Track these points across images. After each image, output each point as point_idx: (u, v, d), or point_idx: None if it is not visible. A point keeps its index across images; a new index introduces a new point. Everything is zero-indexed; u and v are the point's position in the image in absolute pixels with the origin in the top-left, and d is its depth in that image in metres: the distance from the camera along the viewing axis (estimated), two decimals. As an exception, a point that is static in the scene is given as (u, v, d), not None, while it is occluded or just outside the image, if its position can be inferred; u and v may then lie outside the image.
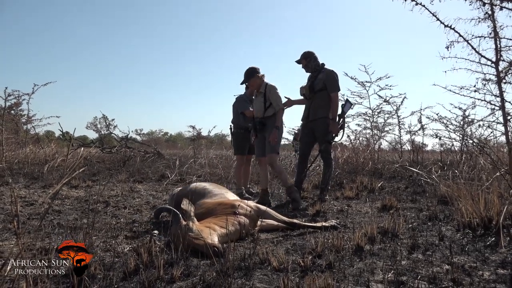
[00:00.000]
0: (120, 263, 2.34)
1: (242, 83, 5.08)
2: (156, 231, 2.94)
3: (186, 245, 2.59)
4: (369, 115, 10.11)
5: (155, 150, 14.17)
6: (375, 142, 10.27)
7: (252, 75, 4.92)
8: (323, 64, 5.29)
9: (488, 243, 2.74)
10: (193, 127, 13.91)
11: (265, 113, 4.91)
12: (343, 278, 2.10)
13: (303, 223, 3.34)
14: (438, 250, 2.63)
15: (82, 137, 18.32)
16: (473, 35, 3.25)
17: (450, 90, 4.00)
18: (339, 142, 6.13)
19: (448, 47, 3.28)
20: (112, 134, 17.87)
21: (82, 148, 12.56)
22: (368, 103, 9.99)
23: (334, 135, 5.20)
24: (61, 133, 16.29)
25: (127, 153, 13.39)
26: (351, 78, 9.97)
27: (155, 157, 12.87)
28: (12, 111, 12.26)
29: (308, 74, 5.43)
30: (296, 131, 15.22)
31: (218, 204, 3.18)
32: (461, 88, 3.95)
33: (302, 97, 5.48)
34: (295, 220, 3.37)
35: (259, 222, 3.29)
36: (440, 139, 8.31)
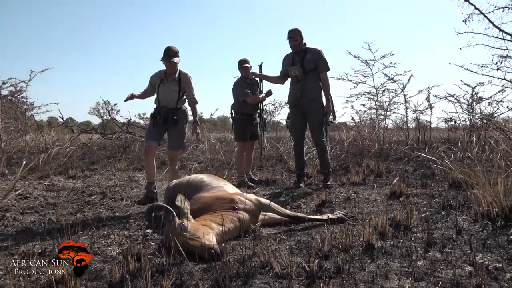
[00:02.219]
0: (107, 269, 2.13)
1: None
2: (149, 230, 2.74)
3: (180, 246, 2.38)
4: (373, 94, 9.80)
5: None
6: (380, 122, 9.97)
7: (171, 57, 4.22)
8: (305, 44, 5.03)
9: (511, 237, 2.50)
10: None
11: (177, 103, 4.40)
12: (353, 285, 1.88)
13: (308, 216, 3.11)
14: (456, 246, 2.39)
15: (85, 123, 18.06)
16: (495, 6, 2.93)
17: (467, 69, 3.70)
18: (335, 122, 5.92)
19: (465, 21, 2.98)
20: (114, 120, 17.65)
21: (81, 135, 12.37)
22: (372, 82, 9.63)
23: (329, 116, 4.98)
24: (61, 120, 16.10)
25: (128, 139, 13.19)
26: (354, 56, 9.61)
27: None
28: (13, 98, 12.00)
29: (287, 54, 5.17)
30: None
31: (216, 199, 2.95)
32: (481, 67, 3.65)
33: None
34: (299, 214, 3.13)
35: (261, 216, 3.07)
36: (455, 122, 8.00)
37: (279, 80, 5.32)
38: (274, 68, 29.74)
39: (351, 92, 13.81)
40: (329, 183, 4.93)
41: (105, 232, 3.00)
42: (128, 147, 10.82)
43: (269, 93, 5.63)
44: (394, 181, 4.45)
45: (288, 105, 5.31)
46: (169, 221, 2.53)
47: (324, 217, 3.12)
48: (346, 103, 10.53)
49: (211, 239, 2.39)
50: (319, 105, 4.94)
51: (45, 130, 13.64)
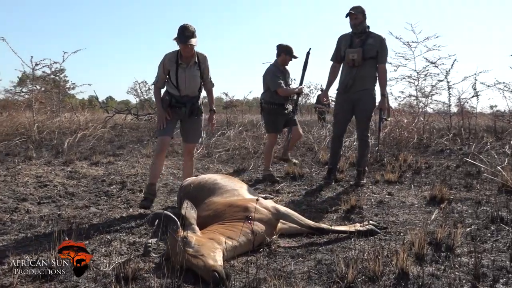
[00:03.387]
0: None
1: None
2: (152, 240, 2.46)
3: (182, 264, 2.10)
4: (414, 77, 9.12)
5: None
6: (420, 109, 9.32)
7: (187, 38, 3.59)
8: (368, 26, 4.50)
9: None
10: (226, 94, 13.30)
11: (199, 91, 3.95)
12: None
13: (333, 228, 2.74)
14: (511, 281, 1.97)
15: (124, 101, 18.05)
16: None
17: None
18: (389, 120, 5.34)
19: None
20: (148, 100, 17.61)
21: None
22: (413, 65, 8.95)
23: (383, 113, 4.51)
24: (96, 100, 16.25)
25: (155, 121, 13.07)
26: (396, 37, 8.95)
27: None
28: (56, 77, 12.07)
29: (343, 34, 4.62)
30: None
31: (229, 206, 2.64)
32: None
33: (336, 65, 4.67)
34: (322, 225, 2.76)
35: (279, 225, 2.73)
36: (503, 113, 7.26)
37: (337, 72, 4.71)
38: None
39: (391, 76, 13.06)
40: (362, 181, 4.51)
41: (109, 237, 2.76)
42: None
43: (300, 91, 5.15)
44: (434, 183, 3.98)
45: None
46: (172, 233, 2.24)
47: (352, 228, 2.75)
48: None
49: (216, 257, 2.09)
50: (371, 97, 4.46)
51: (79, 111, 13.74)
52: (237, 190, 2.99)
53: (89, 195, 4.43)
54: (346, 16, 4.43)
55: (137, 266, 2.08)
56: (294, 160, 5.54)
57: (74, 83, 13.22)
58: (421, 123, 8.57)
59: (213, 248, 2.16)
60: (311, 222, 2.73)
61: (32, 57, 9.74)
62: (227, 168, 5.92)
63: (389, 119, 4.83)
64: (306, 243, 2.61)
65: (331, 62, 4.72)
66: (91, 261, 2.24)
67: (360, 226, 2.80)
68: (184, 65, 3.77)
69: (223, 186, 3.02)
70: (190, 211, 2.40)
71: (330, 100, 5.15)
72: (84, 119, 12.46)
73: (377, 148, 6.07)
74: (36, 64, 9.81)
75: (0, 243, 2.77)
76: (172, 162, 6.50)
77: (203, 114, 4.09)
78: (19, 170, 5.44)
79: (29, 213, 3.67)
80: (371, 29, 4.47)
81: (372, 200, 3.80)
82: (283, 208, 2.70)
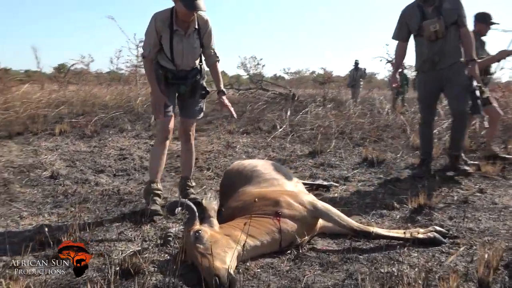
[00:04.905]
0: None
1: None
2: (174, 229, 2.32)
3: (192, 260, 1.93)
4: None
5: (290, 92, 13.47)
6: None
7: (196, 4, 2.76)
8: None
9: None
10: (324, 69, 12.76)
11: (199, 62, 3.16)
12: None
13: (383, 233, 2.30)
14: None
15: (235, 76, 18.50)
16: None
17: None
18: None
19: None
20: (251, 75, 17.78)
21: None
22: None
23: (476, 81, 3.81)
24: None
25: (255, 96, 13.19)
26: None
27: (284, 100, 12.12)
28: None
29: (407, 6, 3.91)
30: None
31: (260, 198, 2.36)
32: None
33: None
34: (370, 228, 2.32)
35: (320, 222, 2.39)
36: None
37: (405, 51, 4.11)
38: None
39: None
40: (466, 167, 3.84)
41: (143, 220, 2.69)
42: (253, 104, 10.57)
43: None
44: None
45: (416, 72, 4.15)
46: (189, 224, 2.07)
47: (408, 235, 2.28)
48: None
49: (226, 259, 1.86)
50: (462, 68, 3.76)
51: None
52: (278, 180, 2.68)
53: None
54: None
55: (144, 258, 1.96)
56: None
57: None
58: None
59: (226, 247, 1.93)
60: (354, 224, 2.32)
61: (135, 34, 10.35)
62: (304, 149, 5.57)
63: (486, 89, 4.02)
64: (347, 247, 2.23)
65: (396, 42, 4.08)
66: (106, 246, 2.19)
67: (421, 233, 2.31)
68: (181, 32, 2.92)
69: (261, 174, 2.74)
70: (211, 202, 2.19)
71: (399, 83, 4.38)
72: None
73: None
74: (140, 41, 10.39)
75: (49, 217, 2.90)
76: (251, 140, 6.36)
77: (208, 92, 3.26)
78: (108, 142, 5.80)
79: (98, 185, 3.84)
80: None
81: (455, 198, 3.18)
82: (322, 205, 2.34)
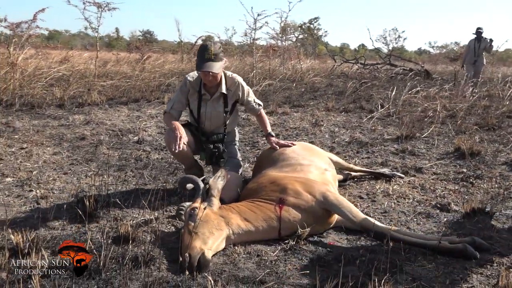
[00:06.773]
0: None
1: None
2: (187, 203, 2.40)
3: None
4: None
5: (422, 68, 12.30)
6: None
7: (206, 61, 2.69)
8: None
9: None
10: (457, 43, 11.23)
11: (226, 127, 3.04)
12: None
13: (400, 237, 2.01)
14: None
15: (375, 50, 17.68)
16: None
17: None
18: None
19: None
20: (403, 47, 16.71)
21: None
22: None
23: None
24: (325, 47, 16.63)
25: (378, 72, 12.51)
26: None
27: (416, 76, 11.07)
28: (311, 25, 13.04)
29: None
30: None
31: (271, 182, 2.28)
32: None
33: None
34: (386, 229, 2.05)
35: (337, 216, 2.22)
36: None
37: None
38: None
39: None
40: None
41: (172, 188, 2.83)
42: (371, 80, 9.93)
43: None
44: None
45: None
46: (192, 201, 2.13)
47: (433, 242, 1.96)
48: None
49: (208, 240, 1.88)
50: None
51: (302, 59, 14.37)
52: (303, 165, 2.52)
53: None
54: None
55: (150, 227, 2.08)
56: None
57: (326, 31, 13.78)
58: None
59: (214, 228, 1.94)
60: (369, 222, 2.07)
61: (252, 7, 10.62)
62: (395, 132, 5.09)
63: None
64: (356, 246, 2.02)
65: None
66: (120, 212, 2.37)
67: (454, 242, 1.97)
68: (207, 97, 2.91)
69: (287, 158, 2.61)
70: (217, 181, 2.20)
71: None
72: (306, 67, 12.92)
73: None
74: (258, 15, 10.58)
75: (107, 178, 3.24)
76: (344, 118, 6.06)
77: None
78: (134, 116, 5.86)
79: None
80: None
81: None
82: (334, 197, 2.14)
